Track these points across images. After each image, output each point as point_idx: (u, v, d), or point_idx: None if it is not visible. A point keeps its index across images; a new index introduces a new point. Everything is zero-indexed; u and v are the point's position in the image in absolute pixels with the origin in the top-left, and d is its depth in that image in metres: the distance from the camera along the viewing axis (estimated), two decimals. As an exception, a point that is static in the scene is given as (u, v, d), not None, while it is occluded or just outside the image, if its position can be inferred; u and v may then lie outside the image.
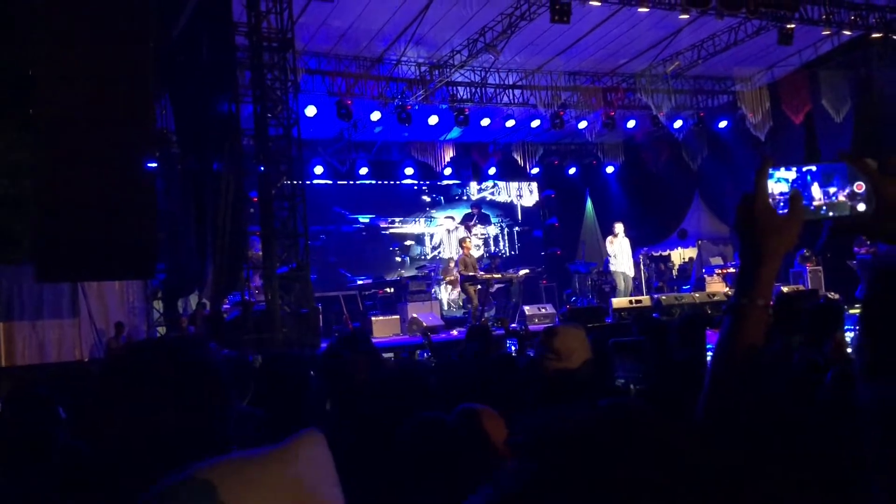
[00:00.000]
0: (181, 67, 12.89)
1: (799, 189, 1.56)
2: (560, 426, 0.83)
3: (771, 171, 1.57)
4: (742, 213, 1.54)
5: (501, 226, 22.59)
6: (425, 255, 21.14)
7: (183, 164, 13.70)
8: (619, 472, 0.81)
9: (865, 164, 1.56)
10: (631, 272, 16.74)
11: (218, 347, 9.20)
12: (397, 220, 20.97)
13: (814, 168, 1.58)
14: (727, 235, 19.17)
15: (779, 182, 1.60)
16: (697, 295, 15.34)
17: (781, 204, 1.55)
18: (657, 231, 20.89)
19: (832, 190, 1.56)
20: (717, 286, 16.59)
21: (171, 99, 13.80)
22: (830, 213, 1.56)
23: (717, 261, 18.11)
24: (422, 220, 21.32)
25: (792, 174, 1.60)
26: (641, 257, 18.23)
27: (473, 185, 22.18)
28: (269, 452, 0.99)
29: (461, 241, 16.12)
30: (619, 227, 16.63)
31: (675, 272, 20.34)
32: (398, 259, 20.74)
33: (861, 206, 1.56)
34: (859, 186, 1.55)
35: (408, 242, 21.05)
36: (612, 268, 16.60)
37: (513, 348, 8.79)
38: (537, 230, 22.93)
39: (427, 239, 21.39)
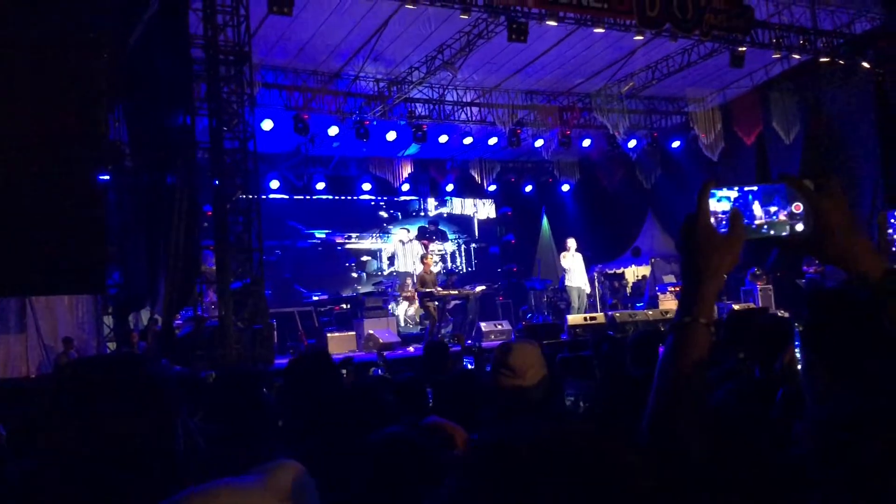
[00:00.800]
0: (136, 78, 12.73)
1: (740, 208, 1.60)
2: (495, 444, 0.83)
3: (714, 190, 1.61)
4: (685, 232, 1.55)
5: (458, 242, 22.64)
6: (382, 271, 21.05)
7: (136, 176, 13.50)
8: (550, 490, 0.80)
9: (803, 185, 1.58)
10: (586, 288, 16.88)
11: (169, 364, 9.06)
12: (354, 235, 20.88)
13: (755, 188, 1.62)
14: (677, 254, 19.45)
15: (721, 201, 1.64)
16: (651, 312, 15.52)
17: (724, 223, 1.56)
18: (611, 249, 21.13)
19: (773, 209, 1.61)
20: (670, 303, 16.80)
21: (125, 110, 13.61)
22: (771, 232, 1.60)
23: (670, 278, 18.35)
24: (379, 235, 21.26)
25: (734, 193, 1.64)
26: (596, 274, 18.41)
27: (431, 202, 22.19)
28: (260, 480, 0.98)
29: (422, 258, 16.12)
30: (571, 243, 16.77)
31: (629, 289, 20.53)
32: (354, 275, 20.63)
33: (799, 226, 1.59)
34: (797, 207, 1.60)
35: (364, 258, 20.97)
36: (567, 283, 16.72)
37: (469, 366, 8.79)
38: (494, 247, 23.02)
39: (384, 254, 21.32)
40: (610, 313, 15.35)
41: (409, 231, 21.75)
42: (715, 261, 1.52)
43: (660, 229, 20.51)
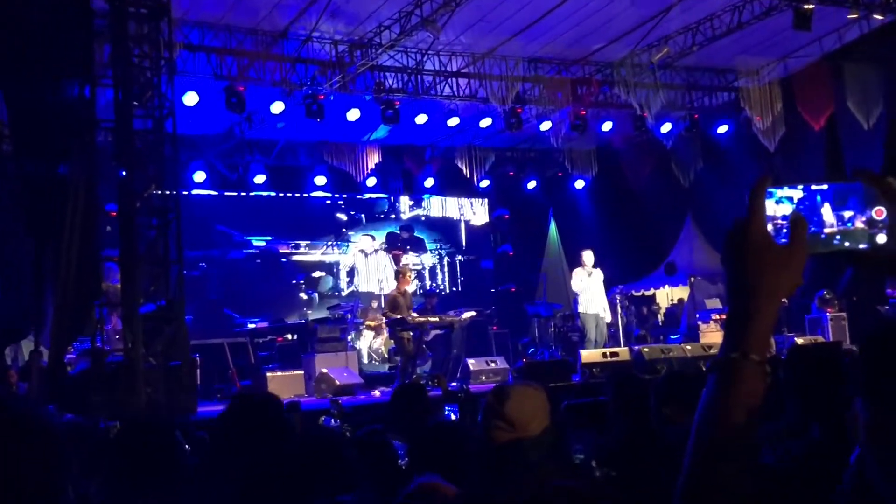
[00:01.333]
0: (15, 41, 12.66)
1: (804, 213, 1.61)
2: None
3: (772, 189, 1.62)
4: (733, 242, 1.57)
5: (440, 254, 22.68)
6: (339, 291, 21.03)
7: (17, 166, 13.41)
8: None
9: (888, 184, 1.58)
10: (606, 316, 16.96)
11: (58, 411, 8.98)
12: (303, 244, 20.86)
13: (824, 187, 1.63)
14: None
15: (781, 203, 1.66)
16: (689, 347, 15.58)
17: (784, 231, 1.59)
18: (639, 264, 21.24)
19: (847, 214, 1.62)
20: (713, 335, 16.88)
21: (2, 83, 13.52)
22: (845, 244, 1.60)
23: (715, 303, 18.46)
24: (336, 244, 21.24)
25: (798, 193, 1.65)
26: (619, 298, 18.51)
27: (405, 201, 22.21)
28: None
29: (396, 274, 16.11)
30: (587, 257, 16.84)
31: (661, 317, 20.63)
32: (303, 295, 20.61)
33: (881, 237, 1.59)
34: (879, 212, 1.60)
35: (316, 274, 20.94)
36: (580, 309, 16.78)
37: (452, 416, 8.80)
38: (486, 260, 23.07)
39: (342, 269, 21.30)
40: (636, 348, 15.40)
41: (375, 239, 21.76)
42: (771, 280, 1.53)
43: (701, 239, 20.63)
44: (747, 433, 1.46)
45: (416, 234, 22.39)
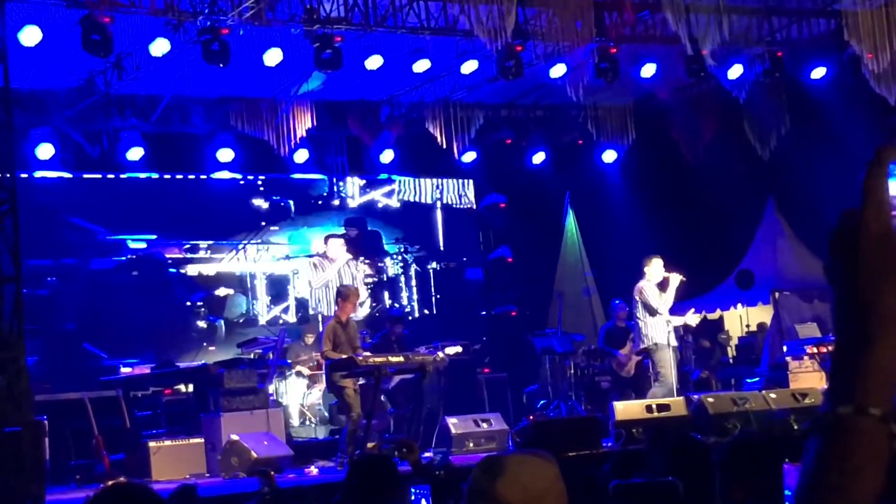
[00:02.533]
0: None
1: None
2: None
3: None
4: (841, 244, 1.58)
5: (405, 259, 22.63)
6: (256, 317, 20.93)
7: None
8: None
9: None
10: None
11: None
12: (203, 246, 20.79)
13: None
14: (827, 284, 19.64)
15: (902, 183, 1.65)
16: (774, 394, 15.64)
17: None
18: (698, 275, 21.23)
19: None
20: (810, 378, 16.90)
21: None
22: None
23: (811, 330, 18.49)
24: (252, 247, 21.19)
25: None
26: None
27: (353, 183, 22.16)
28: None
29: (342, 293, 16.02)
30: (655, 264, 16.84)
31: (731, 350, 20.65)
32: (202, 324, 20.54)
33: None
34: None
35: (221, 292, 20.87)
36: (655, 339, 16.68)
37: (424, 503, 8.78)
38: (473, 269, 23.05)
39: (260, 285, 21.23)
40: (696, 397, 15.42)
41: (310, 237, 21.68)
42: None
43: (789, 236, 20.70)
44: None
45: (369, 228, 22.33)
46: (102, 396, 16.33)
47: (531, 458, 3.34)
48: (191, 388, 16.77)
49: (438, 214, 23.19)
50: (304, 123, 19.65)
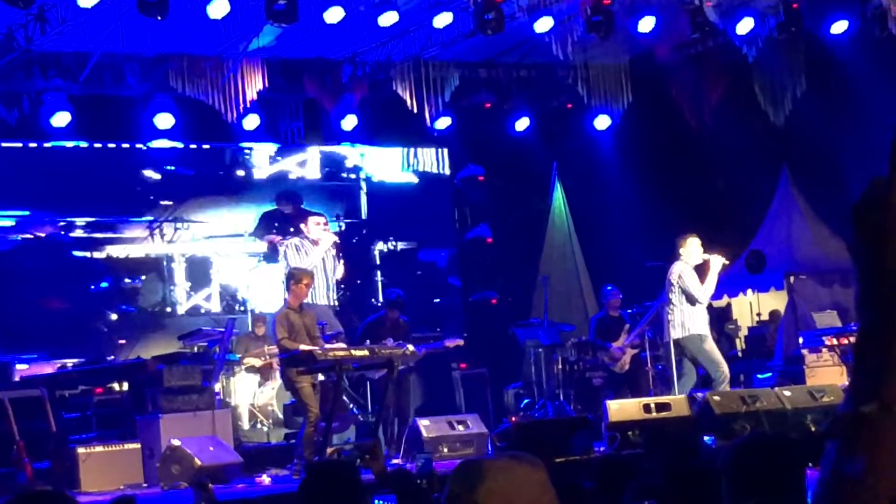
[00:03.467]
0: None
1: None
2: None
3: None
4: (866, 216, 1.59)
5: (363, 240, 22.62)
6: (200, 309, 20.92)
7: None
8: None
9: None
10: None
11: None
12: (136, 226, 20.77)
13: None
14: (849, 266, 19.64)
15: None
16: (788, 392, 15.72)
17: None
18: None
19: None
20: (829, 373, 16.96)
21: None
22: None
23: (830, 319, 18.53)
24: (196, 226, 21.19)
25: None
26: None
27: (311, 154, 22.13)
28: None
29: (294, 275, 15.96)
30: (692, 244, 16.77)
31: (740, 342, 20.69)
32: (113, 316, 20.51)
33: None
34: None
35: (140, 280, 20.87)
36: (685, 327, 16.60)
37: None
38: (446, 248, 23.05)
39: (209, 268, 21.22)
40: (700, 395, 15.44)
41: (258, 215, 21.69)
42: None
43: (806, 212, 20.74)
44: None
45: (327, 203, 22.28)
46: (24, 396, 16.24)
47: (515, 462, 3.32)
48: (125, 386, 16.70)
49: (404, 188, 23.10)
50: (254, 85, 19.62)
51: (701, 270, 16.54)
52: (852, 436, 1.52)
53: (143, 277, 21.06)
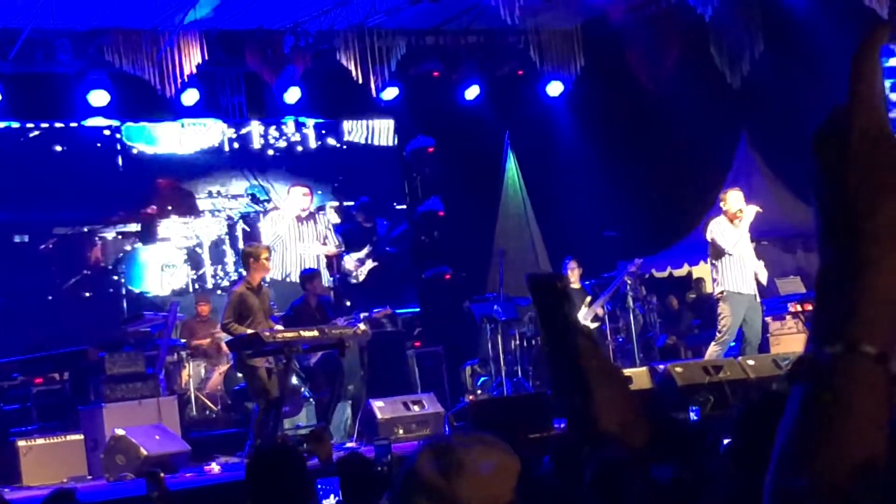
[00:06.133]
0: None
1: None
2: None
3: (891, 46, 1.56)
4: (825, 145, 1.57)
5: (317, 217, 22.59)
6: (146, 295, 20.87)
7: None
8: None
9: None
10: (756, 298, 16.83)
11: None
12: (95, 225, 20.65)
13: None
14: (811, 228, 19.66)
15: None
16: (752, 361, 15.78)
17: None
18: (661, 224, 21.39)
19: None
20: (794, 341, 17.02)
21: None
22: None
23: (794, 285, 18.63)
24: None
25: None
26: (629, 282, 18.56)
27: (253, 128, 22.07)
28: None
29: (251, 253, 15.94)
30: (736, 198, 16.69)
31: (696, 311, 20.75)
32: (87, 294, 20.49)
33: None
34: None
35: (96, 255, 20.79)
36: (727, 287, 16.49)
37: (332, 499, 8.79)
38: (398, 225, 23.04)
39: (152, 255, 21.17)
40: (662, 367, 15.50)
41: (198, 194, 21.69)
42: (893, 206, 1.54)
43: (766, 175, 20.78)
44: (865, 480, 1.46)
45: (269, 181, 22.29)
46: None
47: (492, 451, 3.24)
48: (66, 376, 16.62)
49: (349, 159, 23.09)
50: (192, 58, 19.58)
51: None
52: (816, 380, 1.50)
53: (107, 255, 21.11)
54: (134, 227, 21.41)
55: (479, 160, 23.10)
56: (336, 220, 22.55)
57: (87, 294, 20.81)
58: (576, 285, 18.78)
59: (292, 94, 20.99)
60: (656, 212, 21.30)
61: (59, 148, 20.95)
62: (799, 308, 17.49)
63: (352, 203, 22.71)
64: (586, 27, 21.69)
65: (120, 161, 21.39)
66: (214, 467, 14.71)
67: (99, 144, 21.29)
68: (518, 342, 18.64)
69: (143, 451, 14.10)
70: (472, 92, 22.39)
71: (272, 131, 22.66)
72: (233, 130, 22.43)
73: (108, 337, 17.91)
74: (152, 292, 21.18)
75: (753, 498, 1.57)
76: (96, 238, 21.23)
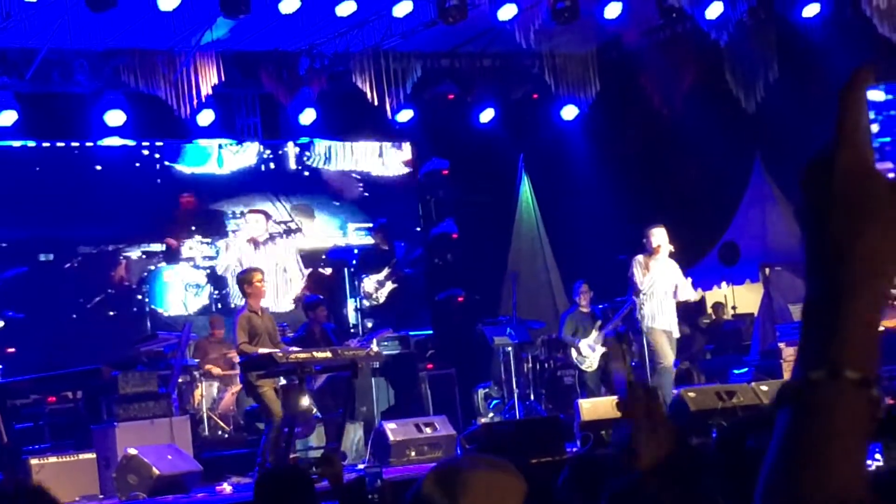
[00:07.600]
0: None
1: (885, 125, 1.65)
2: None
3: (877, 86, 1.62)
4: (812, 179, 1.60)
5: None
6: (159, 314, 20.81)
7: None
8: None
9: None
10: (675, 332, 16.99)
11: None
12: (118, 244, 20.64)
13: None
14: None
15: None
16: (766, 387, 15.69)
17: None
18: (675, 250, 21.30)
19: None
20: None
21: None
22: None
23: (804, 311, 18.56)
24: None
25: (880, 95, 1.69)
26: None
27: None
28: None
29: (245, 279, 15.92)
30: (658, 235, 16.83)
31: (709, 336, 20.69)
32: (111, 312, 20.48)
33: None
34: None
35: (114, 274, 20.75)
36: (645, 320, 16.71)
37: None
38: (412, 247, 22.96)
39: (166, 271, 21.13)
40: (675, 391, 15.44)
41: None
42: (877, 243, 1.55)
43: (780, 201, 20.73)
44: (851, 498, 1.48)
45: (288, 200, 22.25)
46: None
47: (496, 472, 3.29)
48: (79, 395, 16.60)
49: (367, 183, 23.05)
50: (208, 79, 19.57)
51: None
52: (801, 405, 1.53)
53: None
54: (158, 246, 21.39)
55: (494, 183, 23.04)
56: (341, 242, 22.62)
57: (112, 313, 20.68)
58: (585, 309, 18.76)
59: (307, 116, 20.96)
60: (670, 236, 21.25)
61: (90, 167, 20.94)
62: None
63: (370, 225, 22.65)
64: (601, 51, 21.66)
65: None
66: (226, 487, 14.66)
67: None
68: (530, 365, 18.52)
69: (156, 471, 14.04)
70: (486, 115, 22.33)
71: (291, 153, 22.68)
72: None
73: (124, 356, 17.88)
74: (176, 312, 21.14)
75: None
76: (121, 257, 21.16)
